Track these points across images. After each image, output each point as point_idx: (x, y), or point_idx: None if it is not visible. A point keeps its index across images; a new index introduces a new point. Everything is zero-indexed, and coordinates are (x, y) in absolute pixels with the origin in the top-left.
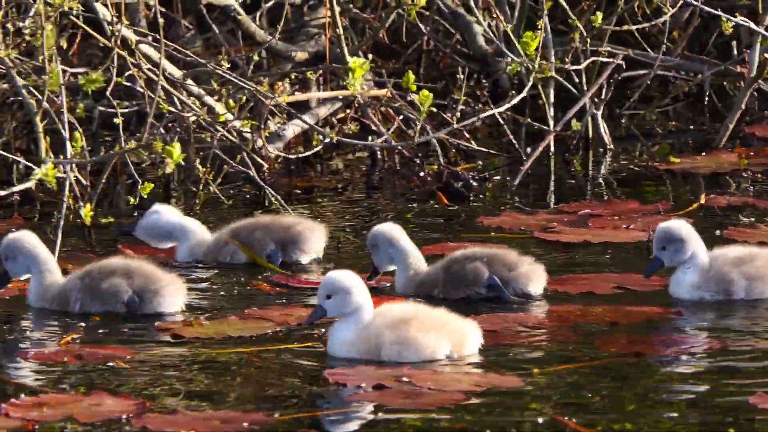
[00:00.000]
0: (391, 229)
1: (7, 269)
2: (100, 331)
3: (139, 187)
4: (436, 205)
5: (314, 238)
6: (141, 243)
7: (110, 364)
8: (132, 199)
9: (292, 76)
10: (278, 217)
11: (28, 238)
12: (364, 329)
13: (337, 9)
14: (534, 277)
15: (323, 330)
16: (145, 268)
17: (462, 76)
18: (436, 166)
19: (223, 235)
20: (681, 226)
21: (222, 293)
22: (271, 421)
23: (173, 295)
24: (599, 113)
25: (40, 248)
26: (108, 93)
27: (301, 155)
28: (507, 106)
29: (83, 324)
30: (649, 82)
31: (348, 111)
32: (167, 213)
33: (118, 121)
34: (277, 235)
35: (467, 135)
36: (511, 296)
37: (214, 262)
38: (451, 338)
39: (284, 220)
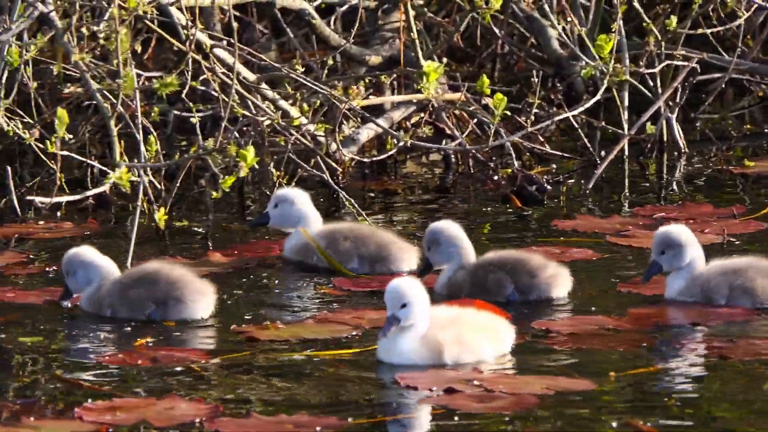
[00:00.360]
0: (454, 227)
1: (68, 284)
2: (176, 334)
3: (220, 181)
4: (510, 209)
5: (405, 259)
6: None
7: (184, 367)
8: (214, 193)
9: (367, 80)
10: (375, 231)
11: (85, 252)
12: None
13: (412, 13)
14: (558, 282)
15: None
16: (174, 273)
17: (536, 80)
18: (510, 170)
19: (314, 238)
20: (681, 231)
21: (298, 296)
22: (344, 425)
23: (197, 302)
24: (674, 116)
25: (99, 260)
26: (183, 97)
27: (375, 159)
28: (581, 109)
29: (159, 327)
30: (723, 86)
31: (422, 114)
32: (299, 198)
33: (194, 120)
34: (366, 250)
35: (541, 138)
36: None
37: (302, 260)
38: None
39: (380, 235)
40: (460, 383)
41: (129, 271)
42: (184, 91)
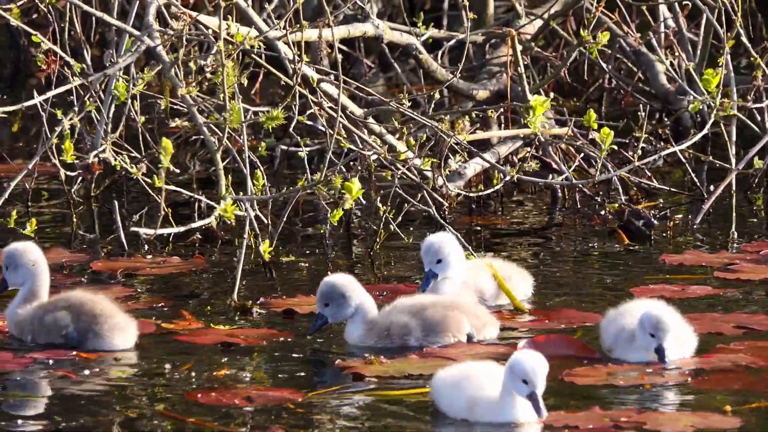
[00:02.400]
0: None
1: (6, 278)
2: (271, 365)
3: (329, 215)
4: (617, 244)
5: (519, 288)
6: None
7: (282, 403)
8: (321, 228)
9: (473, 115)
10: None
11: (31, 248)
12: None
13: (519, 47)
14: None
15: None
16: (94, 304)
17: (643, 114)
18: (617, 205)
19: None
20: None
21: None
22: None
23: (113, 335)
24: None
25: (42, 264)
26: (290, 131)
27: (481, 193)
28: (688, 143)
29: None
30: None
31: (529, 149)
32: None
33: (302, 155)
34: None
35: (648, 173)
36: None
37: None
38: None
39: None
40: (607, 420)
41: (52, 297)
42: (292, 126)
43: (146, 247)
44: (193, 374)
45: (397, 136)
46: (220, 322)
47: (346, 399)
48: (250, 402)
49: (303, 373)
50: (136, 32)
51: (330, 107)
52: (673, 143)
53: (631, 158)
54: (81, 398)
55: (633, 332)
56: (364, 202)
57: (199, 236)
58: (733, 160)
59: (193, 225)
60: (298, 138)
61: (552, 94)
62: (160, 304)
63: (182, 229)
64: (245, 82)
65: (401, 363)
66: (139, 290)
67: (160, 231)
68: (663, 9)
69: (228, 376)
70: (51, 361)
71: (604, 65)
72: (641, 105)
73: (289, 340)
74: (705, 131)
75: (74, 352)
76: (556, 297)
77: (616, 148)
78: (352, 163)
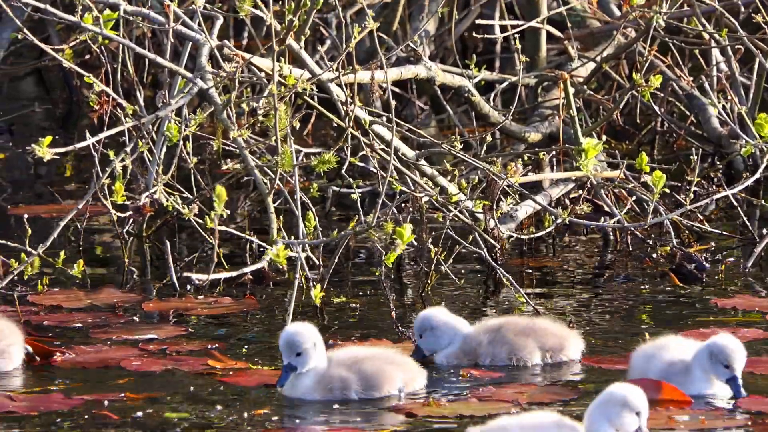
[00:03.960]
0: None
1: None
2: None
3: (383, 258)
4: (669, 287)
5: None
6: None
7: None
8: (376, 271)
9: (525, 157)
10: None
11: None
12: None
13: (571, 90)
14: None
15: None
16: None
17: (696, 158)
18: (668, 248)
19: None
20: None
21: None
22: None
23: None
24: None
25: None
26: (343, 172)
27: (533, 236)
28: (741, 187)
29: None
30: None
31: (581, 192)
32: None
33: (354, 197)
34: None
35: (700, 216)
36: None
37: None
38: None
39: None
40: None
41: None
42: (344, 168)
43: (198, 288)
44: (233, 416)
45: (449, 178)
46: (265, 364)
47: None
48: None
49: (354, 413)
50: (188, 74)
51: (382, 149)
52: (725, 187)
53: (683, 201)
54: None
55: (687, 365)
56: (415, 243)
57: (251, 277)
58: None
59: (245, 270)
60: (350, 180)
61: (604, 137)
62: (215, 346)
63: (234, 274)
64: (297, 125)
65: (459, 405)
66: (190, 330)
67: (212, 276)
68: (716, 53)
69: (278, 417)
70: None
71: (657, 108)
72: (693, 148)
73: None
74: (757, 175)
75: None
76: (607, 339)
77: (668, 191)
78: (403, 204)
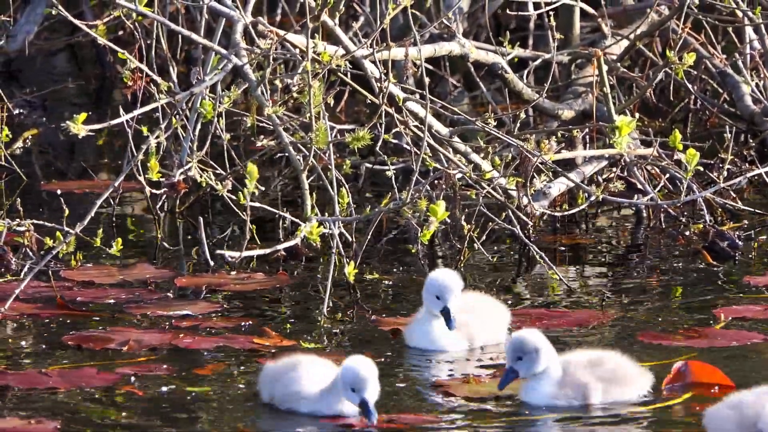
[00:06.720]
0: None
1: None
2: None
3: (419, 234)
4: (702, 265)
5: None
6: None
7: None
8: (413, 249)
9: (559, 134)
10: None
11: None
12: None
13: (605, 68)
14: None
15: None
16: None
17: (729, 136)
18: (701, 226)
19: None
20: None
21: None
22: None
23: None
24: None
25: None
26: (377, 149)
27: (566, 213)
28: None
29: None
30: None
31: (614, 169)
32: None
33: (389, 173)
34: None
35: (733, 194)
36: None
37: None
38: None
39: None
40: None
41: None
42: (378, 145)
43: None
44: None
45: (482, 155)
46: (308, 341)
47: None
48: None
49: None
50: (223, 51)
51: (416, 126)
52: (759, 165)
53: (717, 179)
54: None
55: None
56: (449, 220)
57: (283, 253)
58: None
59: (279, 246)
60: (384, 156)
61: (637, 115)
62: (249, 323)
63: (267, 251)
64: (331, 102)
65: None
66: (224, 306)
67: (245, 254)
68: (749, 30)
69: None
70: None
71: (690, 86)
72: (727, 126)
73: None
74: None
75: None
76: (640, 316)
77: (701, 169)
78: (437, 181)
